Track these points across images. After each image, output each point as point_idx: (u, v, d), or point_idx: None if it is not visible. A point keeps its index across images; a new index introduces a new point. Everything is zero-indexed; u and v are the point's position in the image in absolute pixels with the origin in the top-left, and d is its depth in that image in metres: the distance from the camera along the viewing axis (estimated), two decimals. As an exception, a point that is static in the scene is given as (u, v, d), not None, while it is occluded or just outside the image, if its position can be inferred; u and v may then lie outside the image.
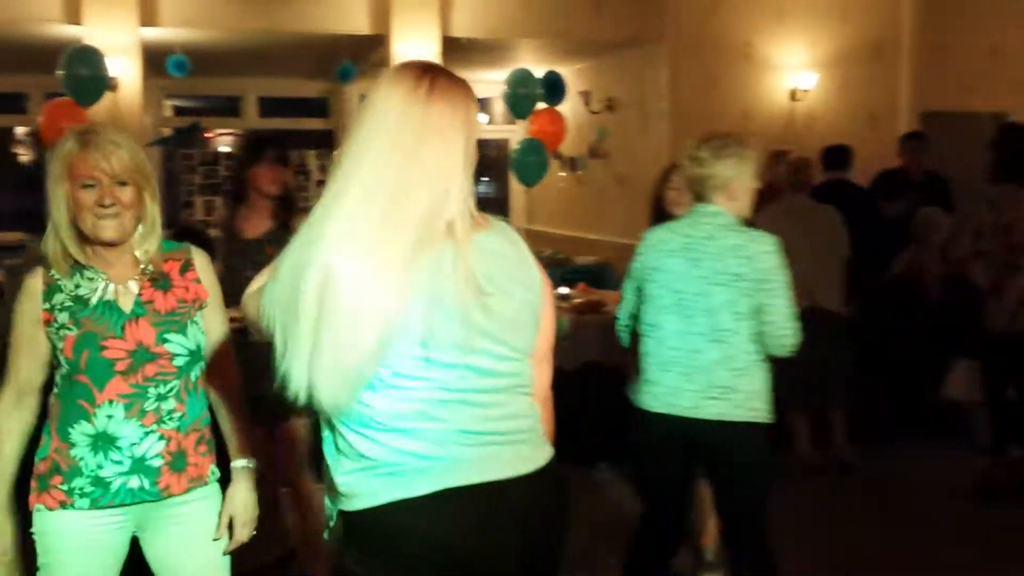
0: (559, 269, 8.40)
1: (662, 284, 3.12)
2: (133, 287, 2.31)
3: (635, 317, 3.29)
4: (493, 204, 12.12)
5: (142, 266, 2.32)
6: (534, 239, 10.87)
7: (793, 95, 8.73)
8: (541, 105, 7.68)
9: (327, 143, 11.28)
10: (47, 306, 2.26)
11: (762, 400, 3.06)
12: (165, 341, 2.28)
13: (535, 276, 1.86)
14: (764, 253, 3.01)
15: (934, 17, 8.85)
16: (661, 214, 4.07)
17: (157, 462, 2.29)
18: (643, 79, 9.01)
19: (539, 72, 8.04)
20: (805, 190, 5.61)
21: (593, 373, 5.40)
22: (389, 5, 7.84)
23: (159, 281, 2.34)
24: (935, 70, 8.92)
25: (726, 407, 3.01)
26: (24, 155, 9.56)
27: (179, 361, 2.30)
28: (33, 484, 2.30)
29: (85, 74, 6.53)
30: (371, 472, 1.71)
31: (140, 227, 2.29)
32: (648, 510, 3.26)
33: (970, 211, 5.20)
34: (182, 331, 2.31)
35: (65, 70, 6.53)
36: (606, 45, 9.05)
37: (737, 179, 3.05)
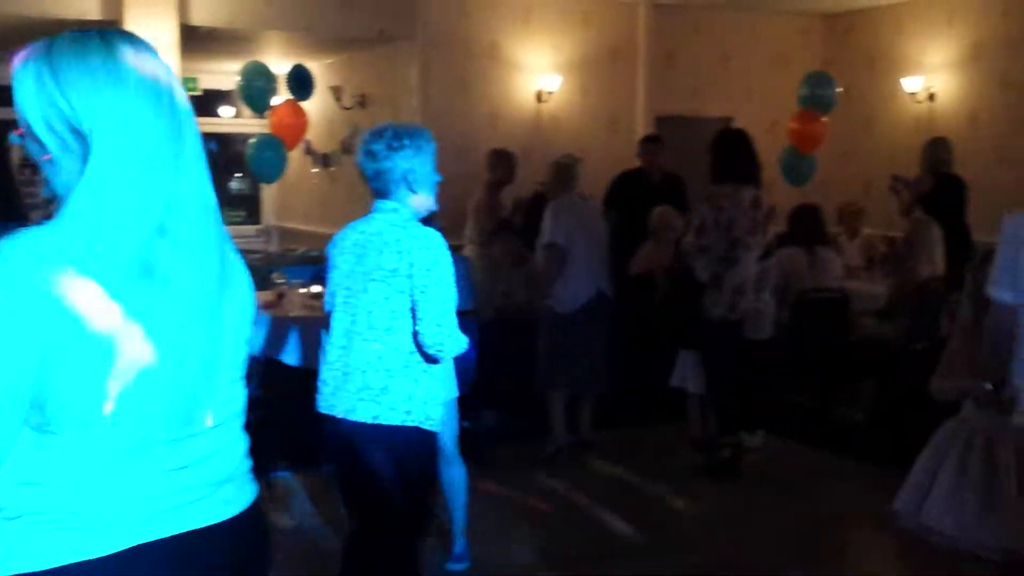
0: (312, 267, 8.20)
1: (335, 282, 3.07)
2: None
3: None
4: (244, 201, 11.71)
5: None
6: (287, 236, 10.66)
7: (539, 97, 8.97)
8: (280, 98, 7.47)
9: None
10: None
11: (416, 403, 2.95)
12: None
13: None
14: (421, 249, 2.91)
15: (667, 26, 9.36)
16: None
17: None
18: (394, 76, 8.98)
19: (286, 66, 7.84)
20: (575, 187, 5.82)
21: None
22: (120, -12, 7.38)
23: None
24: (668, 76, 9.45)
25: (379, 409, 2.92)
26: None
27: None
28: None
29: None
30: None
31: None
32: (350, 513, 3.17)
33: (694, 209, 5.53)
34: None
35: None
36: (357, 41, 8.95)
37: (416, 171, 2.99)
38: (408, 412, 2.94)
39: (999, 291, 2.89)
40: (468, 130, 8.50)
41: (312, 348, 5.46)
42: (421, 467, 3.03)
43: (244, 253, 6.25)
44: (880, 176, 7.67)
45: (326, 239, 8.30)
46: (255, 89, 7.19)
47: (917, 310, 5.84)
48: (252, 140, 7.54)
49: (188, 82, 9.94)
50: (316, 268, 7.93)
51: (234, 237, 6.22)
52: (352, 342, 2.97)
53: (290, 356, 5.50)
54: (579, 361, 5.49)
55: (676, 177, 7.50)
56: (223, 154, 11.78)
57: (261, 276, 7.30)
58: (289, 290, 6.06)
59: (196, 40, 8.01)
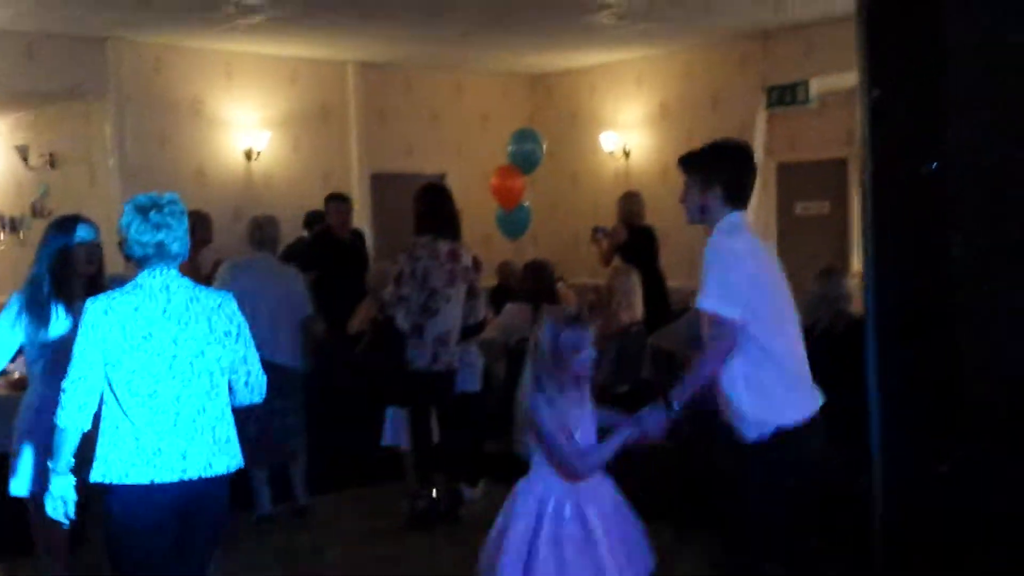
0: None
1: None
2: None
3: None
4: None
5: None
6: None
7: (248, 154, 8.72)
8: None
9: None
10: None
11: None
12: None
13: None
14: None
15: (377, 85, 9.44)
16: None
17: None
18: (88, 133, 8.46)
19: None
20: (272, 248, 5.60)
21: None
22: None
23: None
24: (381, 134, 9.50)
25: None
26: None
27: None
28: None
29: None
30: None
31: None
32: None
33: (394, 260, 5.53)
34: None
35: None
36: (44, 97, 8.37)
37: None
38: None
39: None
40: (173, 188, 8.05)
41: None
42: None
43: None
44: (585, 228, 8.04)
45: None
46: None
47: (619, 354, 6.11)
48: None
49: None
50: None
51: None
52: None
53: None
54: (260, 433, 5.14)
55: (361, 235, 7.59)
56: None
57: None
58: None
59: None
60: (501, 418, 6.20)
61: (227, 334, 3.06)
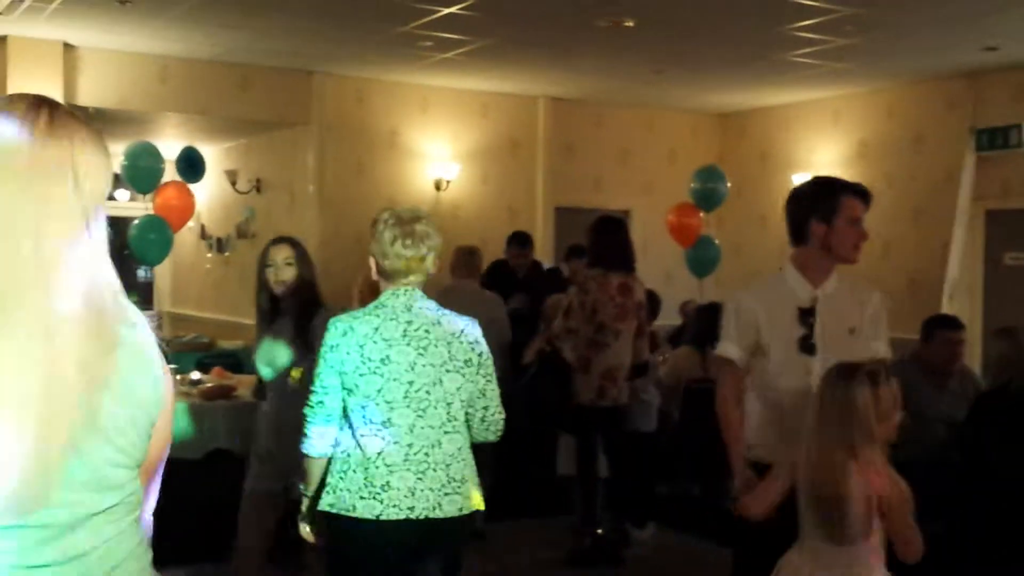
0: (199, 354, 7.96)
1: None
2: None
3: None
4: (140, 288, 11.38)
5: None
6: (178, 323, 10.36)
7: (438, 184, 8.96)
8: (167, 179, 7.33)
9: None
10: None
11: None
12: None
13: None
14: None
15: (566, 119, 9.51)
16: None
17: None
18: (291, 161, 8.90)
19: (178, 148, 7.71)
20: (475, 276, 5.91)
21: (220, 461, 5.10)
22: (4, 66, 7.19)
23: None
24: (568, 168, 9.56)
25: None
26: None
27: None
28: None
29: None
30: None
31: None
32: None
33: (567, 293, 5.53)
34: None
35: None
36: (253, 125, 8.87)
37: None
38: None
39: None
40: (366, 215, 8.40)
41: (190, 435, 5.26)
42: None
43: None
44: (772, 270, 7.76)
45: (219, 325, 8.01)
46: (141, 169, 7.02)
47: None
48: (136, 222, 7.32)
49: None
50: (201, 355, 7.71)
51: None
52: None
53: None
54: None
55: (553, 269, 7.58)
56: (119, 239, 11.47)
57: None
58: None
59: (88, 121, 7.82)
60: (674, 461, 6.12)
61: (467, 363, 2.85)
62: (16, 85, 7.21)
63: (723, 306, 3.32)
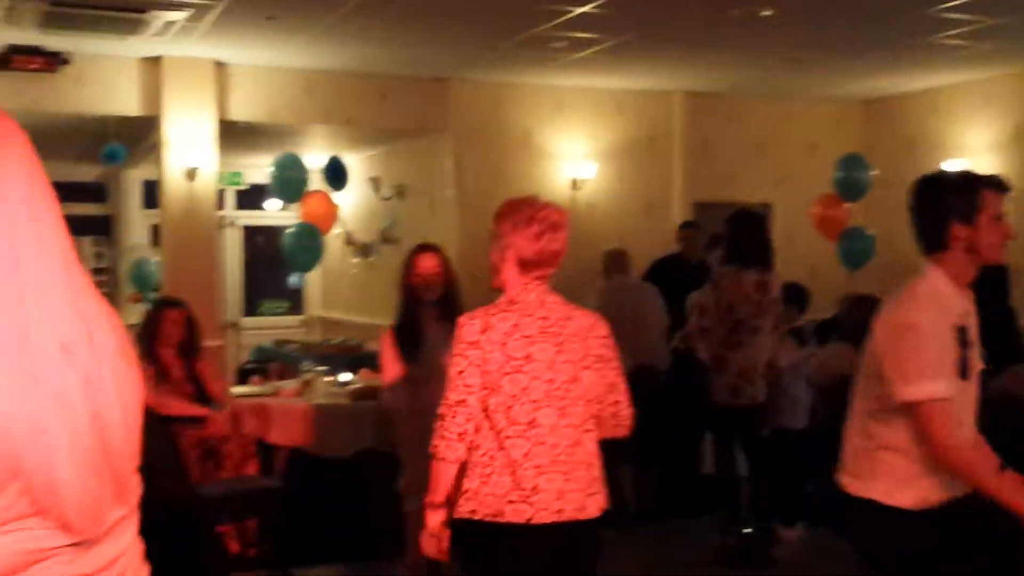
0: (348, 356, 8.22)
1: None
2: None
3: None
4: (290, 294, 11.83)
5: None
6: (329, 327, 10.72)
7: (574, 184, 8.99)
8: (312, 188, 7.63)
9: (104, 230, 10.76)
10: None
11: None
12: None
13: None
14: None
15: (702, 115, 9.39)
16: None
17: None
18: (430, 166, 9.09)
19: (324, 158, 8.00)
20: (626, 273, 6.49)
21: (369, 460, 5.26)
22: (161, 87, 7.60)
23: None
24: (704, 163, 9.43)
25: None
26: None
27: None
28: None
29: None
30: None
31: None
32: None
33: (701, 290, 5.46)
34: None
35: None
36: (394, 133, 9.11)
37: None
38: None
39: None
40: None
41: (335, 435, 5.46)
42: None
43: (284, 343, 6.27)
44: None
45: (366, 329, 8.27)
46: (288, 180, 7.33)
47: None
48: (289, 229, 7.65)
49: (234, 176, 10.16)
50: (349, 357, 7.96)
51: (277, 328, 6.29)
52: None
53: (314, 444, 5.47)
54: None
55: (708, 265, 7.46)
56: (271, 247, 11.95)
57: (294, 365, 7.35)
58: (315, 378, 6.06)
59: (238, 135, 8.21)
60: (823, 458, 5.95)
61: (600, 358, 2.79)
62: (171, 103, 7.62)
63: (906, 334, 2.69)
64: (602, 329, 2.84)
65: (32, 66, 7.03)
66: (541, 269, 2.76)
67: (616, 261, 6.64)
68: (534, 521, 2.66)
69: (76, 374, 1.05)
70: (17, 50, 6.98)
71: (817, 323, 7.79)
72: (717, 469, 5.34)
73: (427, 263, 4.05)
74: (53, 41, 6.97)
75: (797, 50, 7.69)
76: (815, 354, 6.40)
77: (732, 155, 9.56)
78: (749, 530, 5.21)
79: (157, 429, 4.88)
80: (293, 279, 11.83)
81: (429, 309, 4.03)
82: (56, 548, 1.07)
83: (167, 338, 5.25)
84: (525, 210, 2.80)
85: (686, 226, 7.68)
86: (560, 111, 8.99)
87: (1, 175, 1.09)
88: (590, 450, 2.77)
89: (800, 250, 8.80)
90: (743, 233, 5.27)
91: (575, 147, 9.03)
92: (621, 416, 2.84)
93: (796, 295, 5.87)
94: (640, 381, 5.27)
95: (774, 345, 5.27)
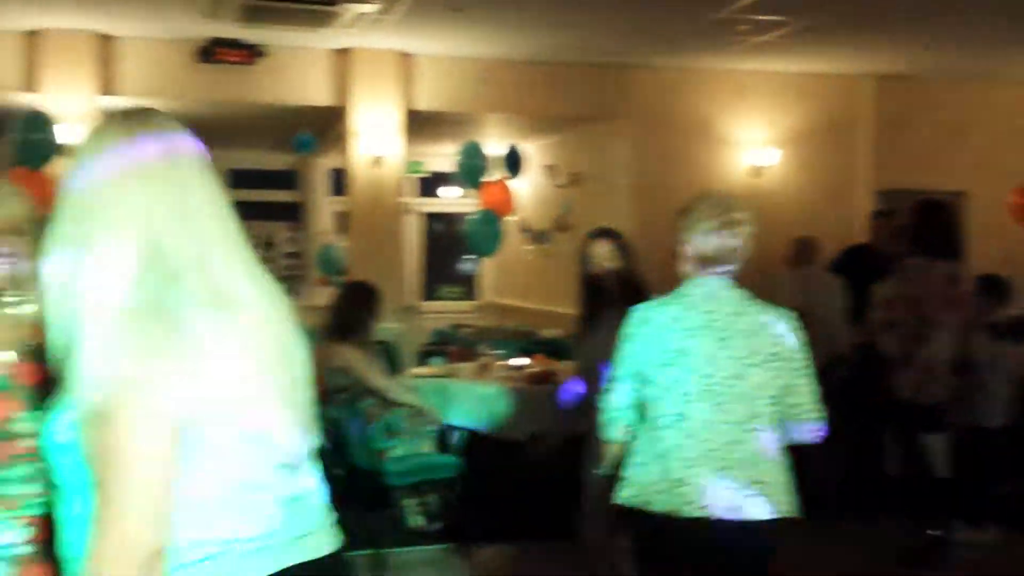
0: (521, 341, 8.34)
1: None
2: (8, 356, 2.09)
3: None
4: (465, 280, 12.09)
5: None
6: (502, 313, 10.90)
7: (753, 171, 8.79)
8: (492, 176, 7.75)
9: (295, 216, 11.28)
10: None
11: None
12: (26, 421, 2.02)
13: None
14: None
15: (892, 99, 8.98)
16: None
17: (20, 551, 2.03)
18: (606, 154, 9.08)
19: (504, 146, 8.13)
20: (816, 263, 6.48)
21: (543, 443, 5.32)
22: (349, 78, 7.90)
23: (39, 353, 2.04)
24: (893, 149, 9.02)
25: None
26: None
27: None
28: None
29: (33, 139, 6.53)
30: None
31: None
32: None
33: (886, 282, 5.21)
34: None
35: (15, 135, 6.53)
36: (570, 120, 9.14)
37: None
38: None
39: None
40: (680, 205, 8.43)
41: (511, 417, 5.55)
42: None
43: (459, 327, 6.43)
44: None
45: (539, 315, 8.35)
46: (470, 167, 7.50)
47: None
48: (471, 216, 7.82)
49: (415, 164, 10.46)
50: (523, 343, 8.07)
51: (453, 312, 6.47)
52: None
53: (492, 426, 5.58)
54: None
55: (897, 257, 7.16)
56: (449, 234, 12.25)
57: (471, 349, 7.51)
58: (492, 362, 6.18)
59: (421, 124, 8.44)
60: (1017, 458, 5.62)
61: (774, 356, 2.69)
62: (359, 93, 7.91)
63: None
64: (781, 327, 2.74)
65: (232, 58, 7.45)
66: (720, 265, 2.73)
67: (804, 250, 6.58)
68: (680, 514, 2.63)
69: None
70: (219, 43, 7.42)
71: (1015, 318, 7.36)
72: (901, 467, 5.13)
73: (600, 249, 4.01)
74: (251, 34, 7.36)
75: (1000, 29, 7.24)
76: (1014, 349, 6.04)
77: (924, 140, 9.10)
78: (935, 532, 4.98)
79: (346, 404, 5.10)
80: (466, 265, 12.10)
81: (607, 295, 4.00)
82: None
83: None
84: (705, 207, 2.79)
85: (879, 215, 7.37)
86: (740, 96, 8.79)
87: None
88: (755, 450, 2.66)
89: (999, 241, 8.31)
90: (929, 223, 5.02)
91: (755, 133, 8.82)
92: (803, 420, 2.74)
93: (993, 287, 5.55)
94: (823, 375, 5.16)
95: (964, 340, 5.00)
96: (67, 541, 1.56)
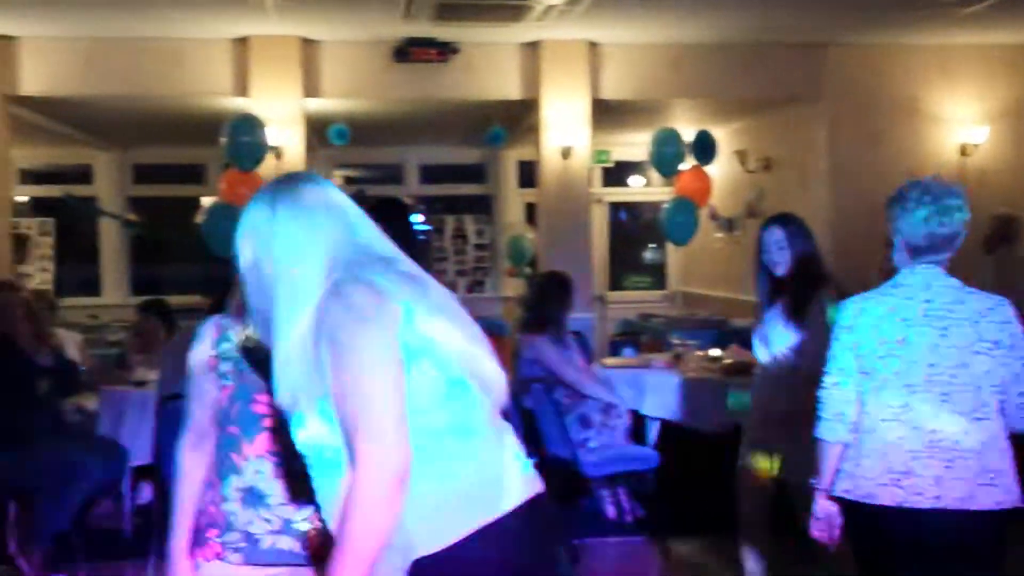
0: (713, 331, 8.20)
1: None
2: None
3: None
4: (651, 268, 12.01)
5: None
6: (690, 301, 10.76)
7: (963, 150, 8.29)
8: (688, 164, 7.61)
9: (484, 208, 11.50)
10: (215, 352, 2.28)
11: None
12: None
13: None
14: None
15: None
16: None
17: (306, 526, 2.19)
18: (801, 137, 8.79)
19: (690, 132, 8.00)
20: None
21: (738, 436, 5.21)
22: (539, 71, 7.97)
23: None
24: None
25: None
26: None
27: None
28: (193, 536, 2.28)
29: (245, 141, 6.90)
30: None
31: None
32: None
33: None
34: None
35: (228, 138, 6.93)
36: (762, 104, 8.90)
37: None
38: None
39: None
40: (882, 188, 8.03)
41: (706, 409, 5.47)
42: None
43: (648, 317, 6.42)
44: None
45: (728, 304, 8.20)
46: (665, 155, 7.42)
47: None
48: (666, 204, 7.75)
49: (600, 155, 10.45)
50: (716, 332, 7.94)
51: (640, 302, 6.45)
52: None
53: (686, 416, 5.53)
54: None
55: None
56: (634, 223, 12.20)
57: (662, 339, 7.45)
58: (686, 352, 6.10)
59: (607, 113, 8.42)
60: None
61: (997, 344, 2.64)
62: (548, 85, 7.98)
63: None
64: (1003, 313, 2.68)
65: (426, 57, 7.67)
66: (933, 254, 2.70)
67: (1004, 228, 6.20)
68: (907, 505, 2.62)
69: None
70: (414, 43, 7.65)
71: None
72: None
73: (775, 236, 3.87)
74: (444, 32, 7.54)
75: None
76: None
77: None
78: None
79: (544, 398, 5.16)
80: (649, 254, 12.01)
81: (782, 285, 3.86)
82: None
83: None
84: (917, 193, 2.72)
85: None
86: (945, 72, 8.31)
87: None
88: (982, 439, 2.62)
89: None
90: None
91: (964, 110, 8.31)
92: None
93: None
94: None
95: None
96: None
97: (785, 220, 3.92)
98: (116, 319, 8.72)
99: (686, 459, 5.42)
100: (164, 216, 11.24)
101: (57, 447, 4.74)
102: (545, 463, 5.02)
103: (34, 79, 7.60)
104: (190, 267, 10.35)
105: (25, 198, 10.68)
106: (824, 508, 2.83)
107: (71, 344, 5.97)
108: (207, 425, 2.30)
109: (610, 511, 5.53)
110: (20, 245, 9.78)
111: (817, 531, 2.87)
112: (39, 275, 10.46)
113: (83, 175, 10.85)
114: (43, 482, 4.59)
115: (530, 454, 5.06)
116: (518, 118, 8.74)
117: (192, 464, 2.32)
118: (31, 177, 10.84)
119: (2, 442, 4.59)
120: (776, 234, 3.84)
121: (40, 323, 5.19)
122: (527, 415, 5.15)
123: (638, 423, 5.69)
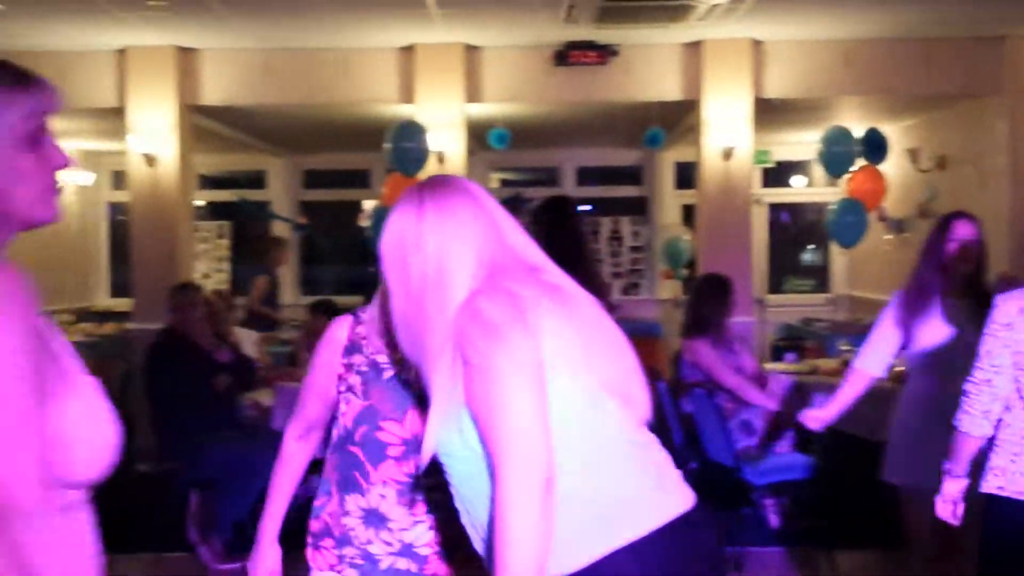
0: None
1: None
2: None
3: None
4: (814, 271, 11.65)
5: None
6: (856, 305, 10.38)
7: None
8: (858, 164, 7.34)
9: (640, 210, 11.42)
10: (346, 361, 2.24)
11: None
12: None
13: None
14: None
15: None
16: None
17: (425, 551, 2.20)
18: (979, 134, 8.35)
19: (859, 130, 7.72)
20: None
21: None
22: (700, 70, 7.86)
23: None
24: None
25: None
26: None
27: None
28: (308, 538, 2.30)
29: (408, 147, 7.09)
30: None
31: None
32: None
33: None
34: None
35: (391, 144, 7.13)
36: (937, 99, 8.50)
37: None
38: None
39: None
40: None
41: (872, 417, 5.25)
42: None
43: (811, 321, 6.28)
44: None
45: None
46: (835, 155, 7.20)
47: None
48: (832, 206, 7.51)
49: (761, 155, 10.22)
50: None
51: (801, 305, 6.30)
52: None
53: (856, 427, 5.33)
54: None
55: None
56: (796, 224, 11.86)
57: (826, 344, 7.21)
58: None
59: (769, 112, 8.22)
60: None
61: None
62: (710, 85, 7.86)
63: None
64: None
65: (586, 60, 7.67)
66: None
67: None
68: None
69: None
70: (573, 46, 7.67)
71: None
72: None
73: (967, 229, 3.73)
74: (604, 35, 7.53)
75: None
76: None
77: None
78: None
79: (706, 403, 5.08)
80: (809, 256, 11.64)
81: (950, 282, 3.73)
82: None
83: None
84: None
85: None
86: None
87: None
88: None
89: None
90: None
91: None
92: None
93: None
94: None
95: None
96: (480, 540, 1.79)
97: (974, 217, 3.85)
98: (289, 318, 9.11)
99: (853, 469, 5.23)
100: (329, 219, 11.67)
101: (236, 441, 4.99)
102: (706, 468, 4.95)
103: (214, 89, 8.02)
104: (352, 269, 10.70)
105: (203, 202, 11.27)
106: (951, 493, 2.91)
107: (248, 342, 6.26)
108: (317, 419, 2.33)
109: (774, 520, 5.39)
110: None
111: (943, 512, 2.96)
112: (216, 275, 11.04)
113: (257, 180, 11.40)
114: (223, 474, 4.83)
115: (690, 459, 5.01)
116: (677, 119, 8.64)
117: (294, 451, 2.35)
118: (208, 182, 11.44)
119: (184, 436, 4.86)
120: (971, 227, 3.76)
121: (219, 322, 5.46)
122: (687, 419, 5.08)
123: (803, 431, 5.52)
